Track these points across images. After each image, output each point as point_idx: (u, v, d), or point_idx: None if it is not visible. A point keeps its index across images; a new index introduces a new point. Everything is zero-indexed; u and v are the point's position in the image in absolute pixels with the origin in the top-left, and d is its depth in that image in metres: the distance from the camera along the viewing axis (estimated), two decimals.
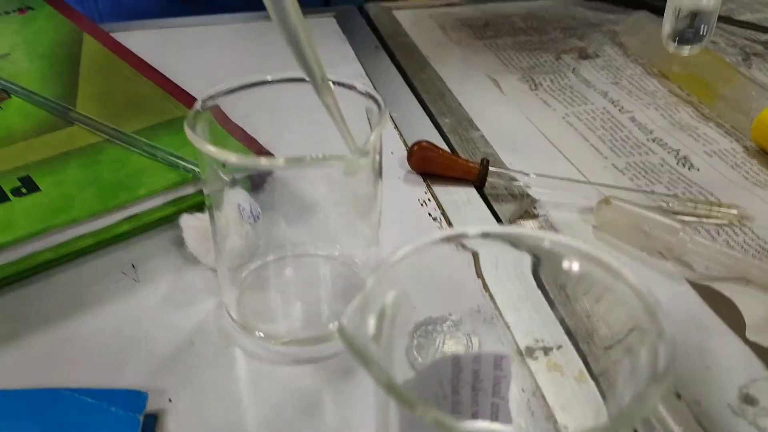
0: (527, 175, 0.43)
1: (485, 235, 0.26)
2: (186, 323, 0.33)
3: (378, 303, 0.21)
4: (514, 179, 0.43)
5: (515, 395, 0.28)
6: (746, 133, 0.49)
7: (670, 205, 0.41)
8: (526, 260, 0.26)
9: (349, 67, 0.58)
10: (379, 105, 0.30)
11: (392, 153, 0.46)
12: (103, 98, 0.46)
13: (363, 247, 0.34)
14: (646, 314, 0.21)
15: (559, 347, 0.32)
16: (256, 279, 0.34)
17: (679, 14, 0.41)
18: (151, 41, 0.63)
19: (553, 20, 0.69)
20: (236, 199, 0.35)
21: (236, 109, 0.35)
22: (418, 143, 0.44)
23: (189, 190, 0.38)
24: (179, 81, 0.54)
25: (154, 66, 0.53)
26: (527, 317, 0.32)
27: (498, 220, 0.41)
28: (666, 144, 0.49)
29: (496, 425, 0.27)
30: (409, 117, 0.51)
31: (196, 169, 0.38)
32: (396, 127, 0.49)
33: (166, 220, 0.37)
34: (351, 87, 0.31)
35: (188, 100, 0.46)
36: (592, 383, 0.30)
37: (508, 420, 0.27)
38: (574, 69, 0.59)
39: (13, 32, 0.56)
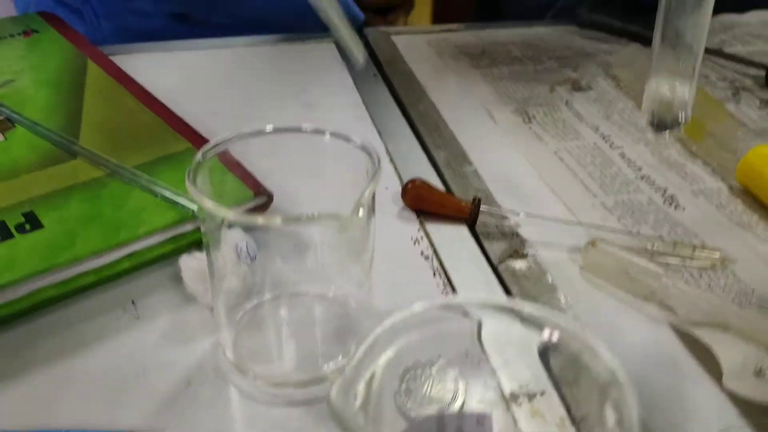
0: (517, 214, 0.44)
1: (476, 305, 0.27)
2: (183, 362, 0.34)
3: (368, 370, 0.23)
4: (504, 218, 0.44)
5: None
6: (732, 173, 0.50)
7: (656, 246, 0.43)
8: (516, 323, 0.27)
9: (348, 97, 0.59)
10: (373, 160, 0.31)
11: (387, 188, 0.47)
12: (106, 130, 0.47)
13: (356, 288, 0.35)
14: (616, 391, 0.23)
15: (542, 393, 0.33)
16: (251, 319, 0.35)
17: (655, 103, 0.42)
18: (153, 65, 0.64)
19: (549, 49, 0.70)
20: (234, 239, 0.36)
21: (235, 153, 0.36)
22: (412, 181, 0.45)
23: (188, 227, 0.39)
24: (179, 106, 0.55)
25: (156, 90, 0.54)
26: (513, 362, 0.33)
27: (488, 258, 0.43)
28: (654, 182, 0.50)
29: None
30: (404, 150, 0.52)
31: (195, 207, 0.40)
32: (392, 160, 0.50)
33: (166, 256, 0.39)
34: (347, 139, 0.33)
35: (189, 133, 0.47)
36: (572, 430, 0.31)
37: None
38: (567, 101, 0.60)
39: (18, 57, 0.57)
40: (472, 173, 0.50)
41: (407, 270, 0.40)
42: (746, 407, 0.34)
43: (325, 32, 0.81)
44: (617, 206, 0.47)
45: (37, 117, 0.48)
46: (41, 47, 0.58)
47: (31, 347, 0.35)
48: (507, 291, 0.40)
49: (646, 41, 0.72)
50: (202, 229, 0.34)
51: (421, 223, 0.44)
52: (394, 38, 0.71)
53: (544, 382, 0.32)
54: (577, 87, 0.63)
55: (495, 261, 0.42)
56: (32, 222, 0.38)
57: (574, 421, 0.32)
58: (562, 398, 0.32)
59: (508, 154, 0.53)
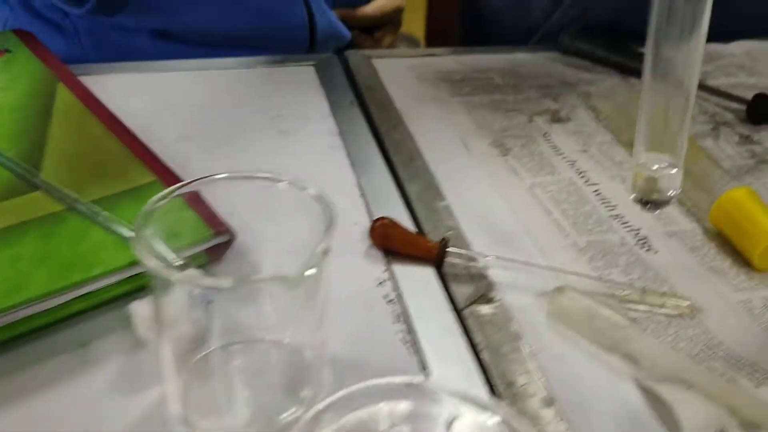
0: (485, 256, 0.43)
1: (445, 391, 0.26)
2: (131, 412, 0.33)
3: None
4: (473, 259, 0.44)
5: None
6: (707, 214, 0.50)
7: (625, 293, 0.42)
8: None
9: (324, 124, 0.58)
10: (326, 216, 0.30)
11: (356, 224, 0.46)
12: (69, 159, 0.46)
13: (310, 336, 0.34)
14: None
15: None
16: (202, 368, 0.34)
17: (642, 181, 0.41)
18: (131, 85, 0.64)
19: (530, 77, 0.69)
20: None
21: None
22: (380, 219, 0.44)
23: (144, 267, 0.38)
24: (152, 130, 0.54)
25: (131, 113, 0.53)
26: None
27: (453, 302, 0.42)
28: (627, 222, 0.49)
29: None
30: (376, 182, 0.51)
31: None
32: (363, 194, 0.50)
33: (120, 297, 0.38)
34: (303, 189, 0.32)
35: (155, 164, 0.46)
36: None
37: None
38: (545, 133, 0.59)
39: None
40: (444, 209, 0.50)
41: (368, 315, 0.39)
42: None
43: (308, 53, 0.81)
44: (589, 247, 0.47)
45: (2, 145, 0.47)
46: (12, 69, 0.57)
47: None
48: (470, 339, 0.39)
49: (628, 71, 0.71)
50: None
51: (388, 264, 0.43)
52: (375, 62, 0.70)
53: None
54: (556, 118, 0.62)
55: (460, 305, 0.41)
56: None
57: None
58: None
59: (482, 188, 0.52)
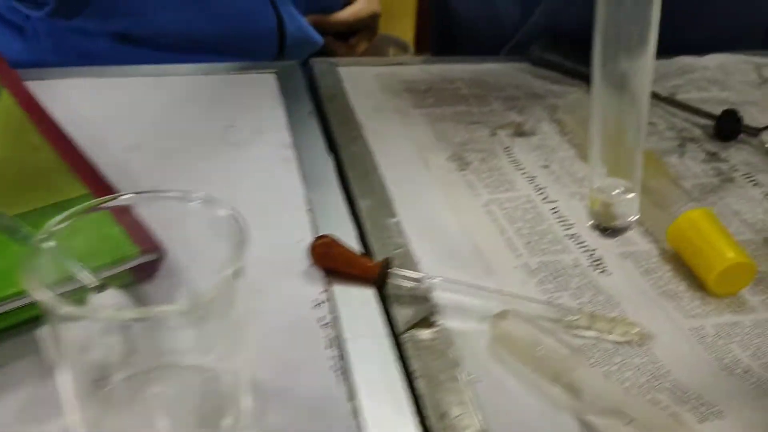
0: (430, 278, 0.42)
1: None
2: None
3: None
4: (417, 280, 0.42)
5: None
6: (665, 235, 0.48)
7: (573, 318, 0.41)
8: None
9: (278, 135, 0.56)
10: (241, 234, 0.29)
11: (299, 242, 0.44)
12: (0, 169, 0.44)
13: (230, 362, 0.32)
14: None
15: None
16: (115, 396, 0.32)
17: (599, 205, 0.39)
18: (88, 90, 0.62)
19: (497, 88, 0.68)
20: (106, 302, 0.34)
21: None
22: (321, 238, 0.42)
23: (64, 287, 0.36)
24: (101, 138, 0.53)
25: (83, 120, 0.52)
26: None
27: (392, 326, 0.40)
28: (583, 242, 0.47)
29: None
30: (326, 198, 0.49)
31: (74, 264, 0.37)
32: (310, 210, 0.48)
33: (36, 318, 0.36)
34: (215, 208, 0.30)
35: (90, 176, 0.45)
36: None
37: None
38: (507, 147, 0.58)
39: None
40: (395, 226, 0.48)
41: (301, 339, 0.38)
42: None
43: (274, 59, 0.80)
44: (540, 268, 0.45)
45: None
46: None
47: None
48: (406, 366, 0.37)
49: None
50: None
51: (327, 284, 0.42)
52: (341, 70, 0.69)
53: None
54: (520, 132, 0.61)
55: (400, 329, 0.40)
56: None
57: None
58: None
59: (436, 205, 0.51)
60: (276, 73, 0.66)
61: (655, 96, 0.69)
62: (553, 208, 0.51)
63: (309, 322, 0.39)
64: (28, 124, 0.48)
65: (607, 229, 0.43)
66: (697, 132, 0.63)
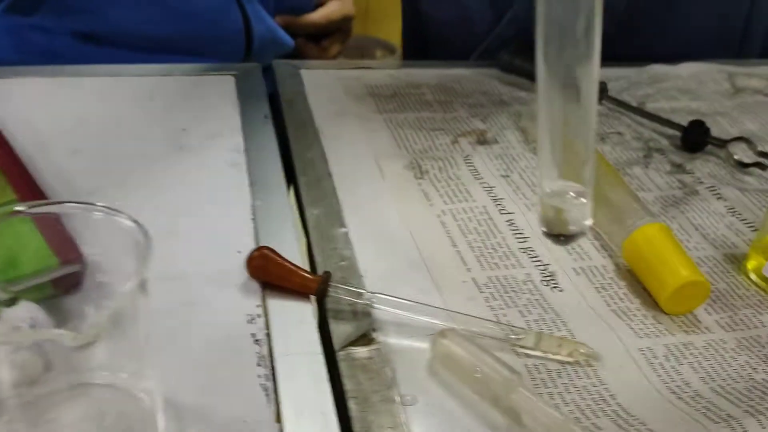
0: (370, 293, 0.40)
1: None
2: None
3: None
4: (359, 295, 0.40)
5: None
6: (621, 249, 0.47)
7: (519, 337, 0.39)
8: None
9: (231, 140, 0.54)
10: (144, 246, 0.27)
11: (239, 252, 0.42)
12: None
13: (141, 379, 0.31)
14: None
15: None
16: (23, 417, 0.31)
17: (550, 211, 0.38)
18: (45, 91, 0.60)
19: (463, 94, 0.66)
20: (16, 318, 0.32)
21: None
22: (259, 249, 0.40)
23: None
24: (46, 140, 0.51)
25: (33, 120, 0.50)
26: None
27: (329, 343, 0.39)
28: (536, 256, 0.46)
29: None
30: (272, 207, 0.47)
31: None
32: (253, 219, 0.46)
33: None
34: (117, 215, 0.28)
35: (22, 181, 0.43)
36: None
37: None
38: (467, 156, 0.56)
39: None
40: (342, 236, 0.46)
41: (230, 356, 0.36)
42: None
43: (242, 61, 0.78)
44: (490, 284, 0.43)
45: None
46: None
47: None
48: (339, 387, 0.36)
49: None
50: None
51: (264, 299, 0.40)
52: (304, 73, 0.67)
53: None
54: (482, 140, 0.59)
55: (338, 346, 0.38)
56: None
57: None
58: None
59: (388, 215, 0.49)
60: (236, 75, 0.64)
61: (624, 105, 0.68)
62: (509, 220, 0.49)
63: (241, 337, 0.37)
64: None
65: (560, 235, 0.41)
66: (664, 142, 0.62)
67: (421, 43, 0.83)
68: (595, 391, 0.37)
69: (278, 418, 0.33)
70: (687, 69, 0.74)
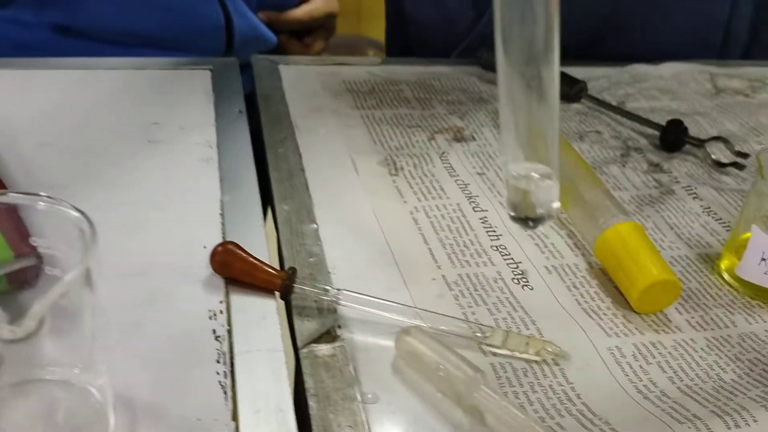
0: (334, 289, 0.39)
1: None
2: None
3: None
4: (326, 290, 0.40)
5: None
6: (594, 248, 0.46)
7: (486, 335, 0.38)
8: None
9: (203, 135, 0.53)
10: (89, 236, 0.26)
11: (205, 247, 0.42)
12: None
13: (92, 375, 0.30)
14: None
15: None
16: None
17: (516, 196, 0.37)
18: (21, 83, 0.59)
19: (442, 91, 0.66)
20: None
21: None
22: (223, 244, 0.40)
23: None
24: (15, 134, 0.50)
25: (6, 113, 0.49)
26: None
27: (294, 339, 0.38)
28: (509, 254, 0.45)
29: None
30: (242, 202, 0.47)
31: None
32: (222, 214, 0.46)
33: None
34: (61, 204, 0.27)
35: None
36: None
37: None
38: (443, 153, 0.56)
39: None
40: (312, 232, 0.46)
41: (190, 352, 0.35)
42: None
43: (222, 56, 0.77)
44: (459, 281, 0.43)
45: None
46: None
47: None
48: (300, 384, 0.35)
49: None
50: None
51: (227, 294, 0.39)
52: (282, 68, 0.66)
53: None
54: (459, 137, 0.59)
55: (300, 343, 0.38)
56: None
57: None
58: None
59: (360, 211, 0.48)
60: (212, 70, 0.63)
61: (604, 104, 0.68)
62: (483, 218, 0.49)
63: (202, 333, 0.36)
64: None
65: (527, 219, 0.40)
66: (643, 142, 0.61)
67: (404, 42, 0.82)
68: (560, 391, 0.36)
69: (235, 416, 0.32)
70: (668, 69, 0.74)
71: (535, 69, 0.34)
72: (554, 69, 0.35)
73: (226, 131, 0.55)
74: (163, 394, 0.33)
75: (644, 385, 0.37)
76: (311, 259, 0.43)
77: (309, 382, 0.35)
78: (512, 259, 0.45)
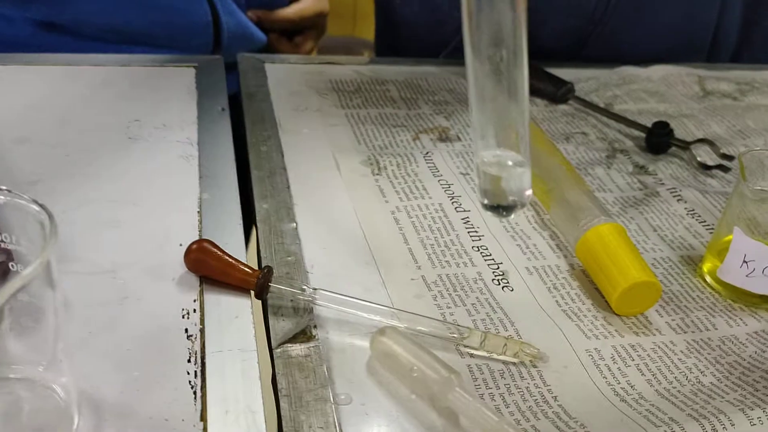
0: (311, 288, 0.39)
1: None
2: None
3: None
4: (303, 289, 0.39)
5: None
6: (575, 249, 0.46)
7: (463, 336, 0.38)
8: None
9: (184, 132, 0.53)
10: (49, 229, 0.25)
11: (180, 245, 0.41)
12: None
13: (56, 373, 0.29)
14: None
15: None
16: None
17: (487, 182, 0.36)
18: (3, 78, 0.58)
19: (429, 91, 0.65)
20: None
21: None
22: (198, 242, 0.39)
23: None
24: None
25: None
26: None
27: (269, 339, 0.37)
28: (490, 255, 0.45)
29: None
30: (221, 200, 0.46)
31: None
32: (199, 212, 0.45)
33: None
34: (21, 198, 0.27)
35: None
36: None
37: None
38: (427, 153, 0.55)
39: None
40: (291, 231, 0.45)
41: (160, 351, 0.34)
42: None
43: (207, 53, 0.76)
44: (439, 282, 0.42)
45: None
46: None
47: None
48: (274, 384, 0.35)
49: (531, 91, 0.67)
50: None
51: (201, 293, 0.38)
52: (268, 67, 0.66)
53: None
54: (443, 137, 0.58)
55: (274, 343, 0.37)
56: None
57: None
58: None
59: (340, 210, 0.48)
60: (196, 67, 0.63)
61: (590, 105, 0.67)
62: (465, 218, 0.48)
63: (173, 332, 0.36)
64: None
65: (500, 207, 0.40)
66: (629, 144, 0.61)
67: (393, 43, 0.82)
68: (537, 393, 0.36)
69: (203, 417, 0.32)
70: (657, 71, 0.74)
71: (502, 54, 0.34)
72: (522, 55, 0.34)
73: (209, 129, 0.54)
74: (131, 393, 0.32)
75: (622, 388, 0.36)
76: (289, 258, 0.43)
77: (282, 383, 0.34)
78: (493, 259, 0.45)
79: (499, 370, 0.37)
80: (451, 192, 0.51)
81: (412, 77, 0.68)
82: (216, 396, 0.33)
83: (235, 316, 0.37)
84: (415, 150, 0.56)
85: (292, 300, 0.39)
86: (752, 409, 0.35)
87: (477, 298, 0.41)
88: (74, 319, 0.36)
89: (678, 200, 0.53)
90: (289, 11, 0.88)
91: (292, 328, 0.37)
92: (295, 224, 0.46)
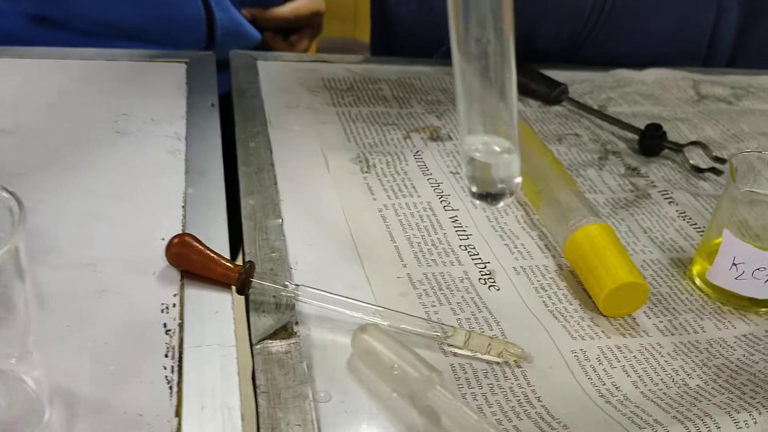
0: (293, 285, 0.38)
1: None
2: None
3: None
4: (285, 285, 0.39)
5: None
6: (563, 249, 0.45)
7: (447, 335, 0.37)
8: None
9: (172, 127, 0.52)
10: (17, 216, 0.25)
11: (163, 239, 0.41)
12: None
13: (27, 365, 0.29)
14: None
15: None
16: None
17: (475, 169, 0.35)
18: None
19: (422, 91, 0.65)
20: None
21: None
22: (179, 236, 0.39)
23: None
24: None
25: None
26: None
27: (249, 334, 0.37)
28: (477, 254, 0.44)
29: None
30: (206, 196, 0.46)
31: None
32: (184, 206, 0.44)
33: None
34: None
35: None
36: None
37: None
38: (418, 152, 0.55)
39: None
40: (276, 227, 0.44)
41: (138, 346, 0.34)
42: None
43: (200, 50, 0.76)
44: (424, 280, 0.42)
45: None
46: None
47: None
48: (254, 381, 0.34)
49: (525, 91, 0.67)
50: None
51: (181, 287, 0.38)
52: (260, 64, 0.66)
53: None
54: (434, 136, 0.58)
55: (255, 339, 0.36)
56: None
57: None
58: None
59: (327, 207, 0.47)
60: (187, 63, 0.63)
61: (584, 107, 0.67)
62: (453, 217, 0.48)
63: (152, 327, 0.35)
64: None
65: (488, 195, 0.39)
66: (622, 146, 0.61)
67: (389, 43, 0.82)
68: (521, 393, 0.35)
69: (179, 412, 0.31)
70: (652, 75, 0.74)
71: (489, 36, 0.34)
72: (509, 38, 0.34)
73: (197, 124, 0.53)
74: (106, 387, 0.32)
75: (607, 389, 0.36)
76: (273, 254, 0.42)
77: (260, 379, 0.34)
78: (480, 259, 0.44)
79: (482, 370, 0.36)
80: (440, 191, 0.50)
81: (405, 76, 0.67)
82: (192, 391, 0.32)
83: (215, 311, 0.37)
84: (406, 149, 0.55)
85: (274, 296, 0.38)
86: (738, 413, 0.35)
87: (462, 297, 0.41)
88: (53, 312, 0.35)
89: (669, 202, 0.52)
90: (285, 10, 0.87)
91: (273, 324, 0.37)
92: (280, 220, 0.45)
